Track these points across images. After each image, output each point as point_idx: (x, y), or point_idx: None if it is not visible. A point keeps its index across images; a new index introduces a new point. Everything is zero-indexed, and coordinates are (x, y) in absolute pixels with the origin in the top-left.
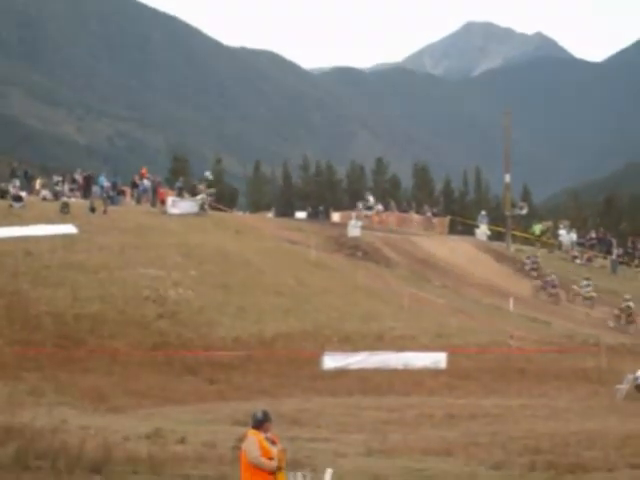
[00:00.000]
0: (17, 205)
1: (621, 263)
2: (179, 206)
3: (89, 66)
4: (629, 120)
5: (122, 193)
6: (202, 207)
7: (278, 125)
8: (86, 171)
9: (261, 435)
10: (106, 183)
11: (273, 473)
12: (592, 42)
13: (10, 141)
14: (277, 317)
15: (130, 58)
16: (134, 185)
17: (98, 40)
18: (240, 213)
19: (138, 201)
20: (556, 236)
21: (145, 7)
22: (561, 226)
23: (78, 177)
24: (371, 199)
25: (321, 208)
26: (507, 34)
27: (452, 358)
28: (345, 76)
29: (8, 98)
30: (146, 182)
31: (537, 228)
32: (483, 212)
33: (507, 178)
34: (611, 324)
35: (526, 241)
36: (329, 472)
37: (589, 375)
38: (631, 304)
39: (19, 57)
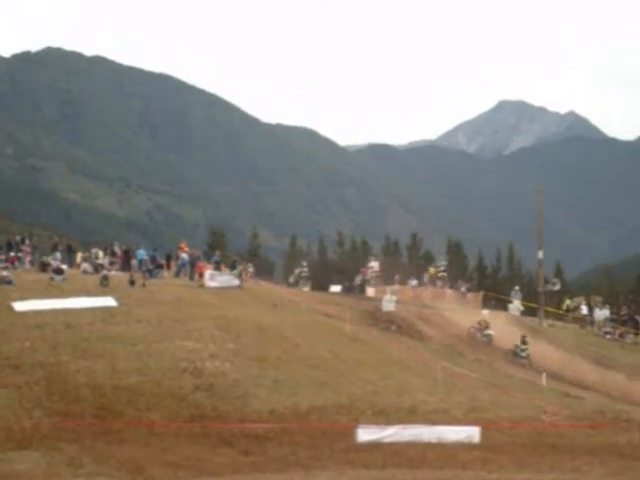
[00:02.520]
0: (58, 278)
1: None
2: (217, 279)
3: (129, 142)
4: None
5: (161, 266)
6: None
7: (313, 200)
8: (125, 244)
9: None
10: (145, 257)
11: None
12: (623, 121)
13: (52, 215)
14: (312, 390)
15: (169, 134)
16: (169, 258)
17: (138, 116)
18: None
19: (177, 274)
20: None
21: (184, 85)
22: (583, 304)
23: (117, 250)
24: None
25: (358, 281)
26: (540, 113)
27: (485, 432)
28: (380, 153)
29: (50, 173)
30: (184, 255)
31: (566, 304)
32: (517, 287)
33: (540, 254)
34: None
35: (558, 317)
36: None
37: (622, 450)
38: None
39: (62, 133)
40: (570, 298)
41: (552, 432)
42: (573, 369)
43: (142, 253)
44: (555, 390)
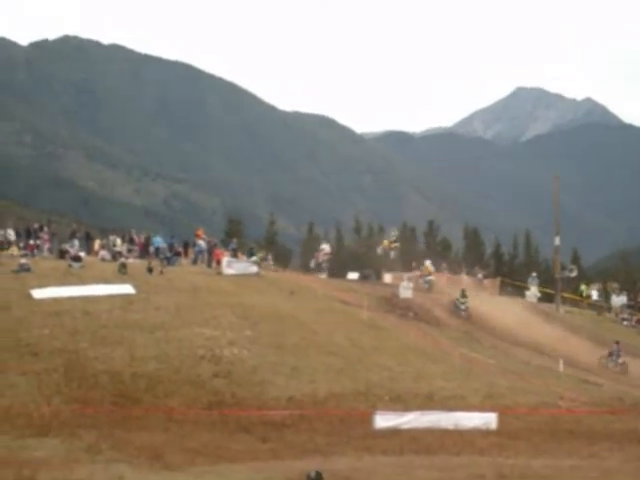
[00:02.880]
0: (76, 265)
1: None
2: (234, 267)
3: (147, 130)
4: None
5: (178, 254)
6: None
7: (331, 188)
8: (142, 232)
9: None
10: (162, 244)
11: None
12: None
13: (70, 203)
14: (330, 377)
15: (187, 122)
16: (186, 245)
17: (156, 105)
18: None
19: (194, 262)
20: (606, 298)
21: (202, 72)
22: (594, 289)
23: (135, 237)
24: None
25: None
26: (557, 99)
27: (502, 418)
28: (397, 140)
29: (68, 161)
30: (202, 243)
31: (584, 289)
32: (534, 274)
33: (557, 241)
34: None
35: (576, 303)
36: None
37: None
38: None
39: (79, 122)
40: (586, 284)
41: (569, 418)
42: (590, 356)
43: (159, 240)
44: (572, 376)
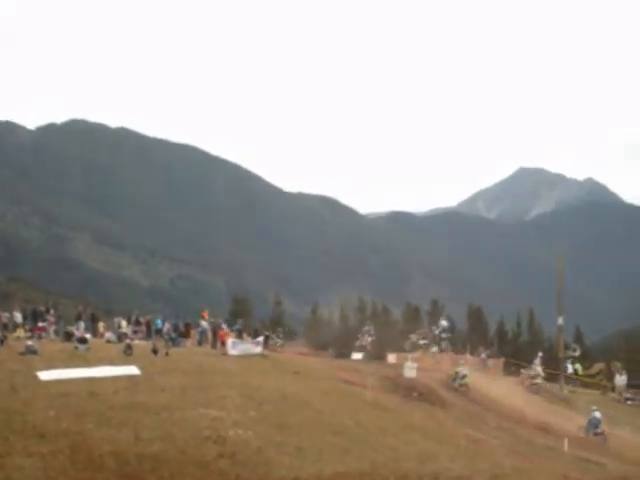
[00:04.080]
0: (82, 347)
1: None
2: (238, 348)
3: (153, 211)
4: None
5: (184, 335)
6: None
7: (335, 268)
8: (147, 313)
9: None
10: (167, 325)
11: None
12: None
13: (77, 284)
14: (335, 457)
15: (192, 203)
16: (187, 326)
17: (162, 187)
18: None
19: (199, 343)
20: (609, 378)
21: (208, 155)
22: (568, 363)
23: (141, 319)
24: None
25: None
26: (558, 179)
27: None
28: (400, 220)
29: (75, 242)
30: (204, 324)
31: (578, 368)
32: (540, 354)
33: (560, 320)
34: None
35: (581, 383)
36: None
37: None
38: None
39: (86, 203)
40: (579, 362)
41: None
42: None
43: (159, 322)
44: (576, 456)
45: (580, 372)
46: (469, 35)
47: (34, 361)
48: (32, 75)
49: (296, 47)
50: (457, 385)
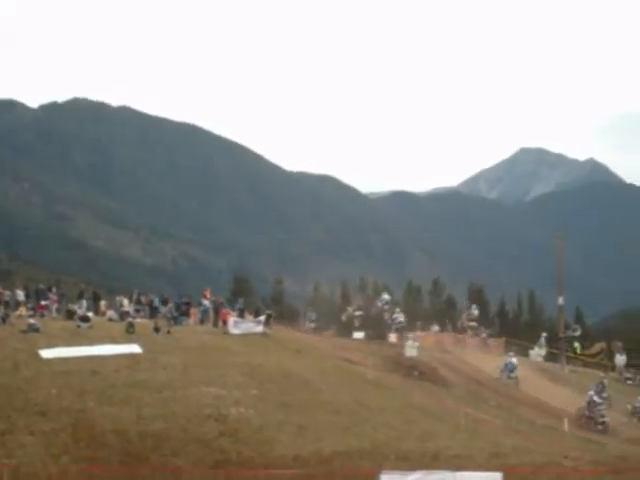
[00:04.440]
0: (84, 326)
1: None
2: (240, 326)
3: (155, 190)
4: None
5: (186, 314)
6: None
7: (336, 247)
8: (144, 292)
9: None
10: (165, 306)
11: None
12: None
13: (78, 262)
14: (336, 435)
15: (194, 183)
16: (188, 304)
17: (165, 165)
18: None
19: (201, 322)
20: (610, 358)
21: (209, 134)
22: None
23: (142, 299)
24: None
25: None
26: (559, 159)
27: (508, 478)
28: (401, 200)
29: (76, 221)
30: (206, 303)
31: (577, 347)
32: (544, 334)
33: (560, 300)
34: None
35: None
36: None
37: None
38: None
39: (89, 181)
40: (580, 343)
41: (574, 477)
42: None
43: (157, 301)
44: (577, 435)
45: (578, 351)
46: (470, 17)
47: (36, 339)
48: (35, 53)
49: (297, 29)
50: (505, 378)
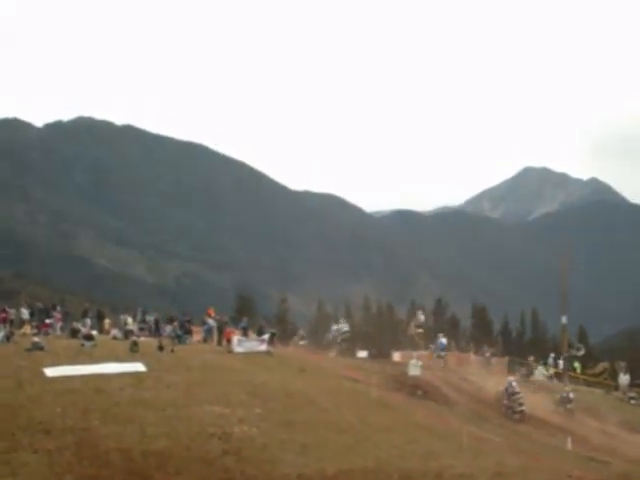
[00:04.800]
0: (88, 344)
1: None
2: (244, 345)
3: (159, 209)
4: None
5: (189, 332)
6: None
7: (340, 266)
8: (148, 310)
9: None
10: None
11: None
12: None
13: (83, 281)
14: (339, 454)
15: (199, 202)
16: (189, 323)
17: (169, 184)
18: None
19: (205, 340)
20: (613, 377)
21: (213, 153)
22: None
23: (147, 318)
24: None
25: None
26: (563, 179)
27: None
28: (405, 219)
29: (81, 239)
30: (210, 321)
31: (578, 367)
32: (552, 355)
33: (564, 320)
34: None
35: (584, 382)
36: None
37: None
38: None
39: (92, 200)
40: (580, 363)
41: None
42: (597, 434)
43: (151, 318)
44: (580, 454)
45: (578, 371)
46: (474, 33)
47: (41, 357)
48: (40, 73)
49: (302, 47)
50: (563, 408)
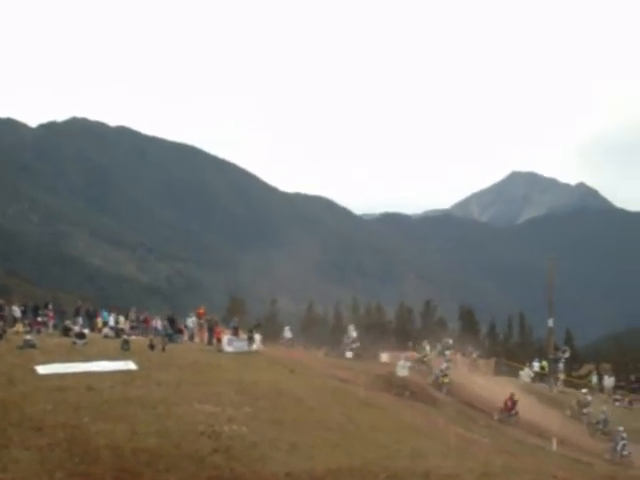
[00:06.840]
0: (80, 342)
1: None
2: (234, 345)
3: (152, 209)
4: None
5: (180, 331)
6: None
7: (330, 267)
8: (140, 310)
9: None
10: (160, 322)
11: None
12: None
13: (74, 280)
14: (327, 453)
15: (190, 202)
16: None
17: (161, 185)
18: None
19: (190, 338)
20: (598, 380)
21: (205, 154)
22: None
23: (139, 316)
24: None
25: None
26: (551, 184)
27: None
28: (394, 221)
29: (74, 239)
30: (193, 319)
31: (545, 365)
32: (537, 359)
33: (550, 323)
34: None
35: (569, 384)
36: None
37: None
38: None
39: (86, 201)
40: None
41: None
42: (582, 435)
43: (106, 315)
44: (565, 456)
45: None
46: (463, 41)
47: (33, 355)
48: (34, 73)
49: (295, 49)
50: (599, 429)
